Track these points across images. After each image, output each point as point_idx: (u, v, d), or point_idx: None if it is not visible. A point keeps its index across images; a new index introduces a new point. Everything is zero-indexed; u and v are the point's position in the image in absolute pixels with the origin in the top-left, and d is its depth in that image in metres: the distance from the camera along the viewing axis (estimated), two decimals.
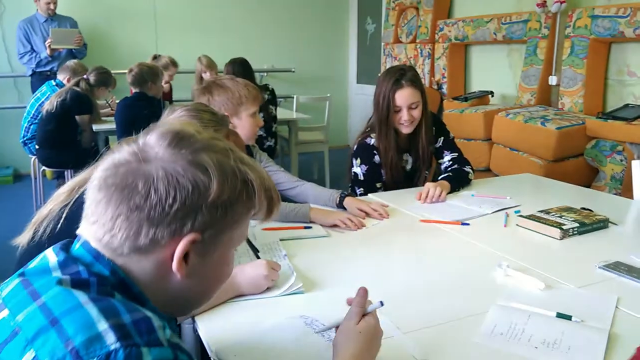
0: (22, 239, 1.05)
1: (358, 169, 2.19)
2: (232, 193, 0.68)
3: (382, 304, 0.94)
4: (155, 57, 4.81)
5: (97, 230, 0.66)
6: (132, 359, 0.56)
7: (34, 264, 0.69)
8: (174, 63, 4.78)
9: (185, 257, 0.67)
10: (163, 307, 0.70)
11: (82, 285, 0.63)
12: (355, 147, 2.22)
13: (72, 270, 0.65)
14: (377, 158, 2.17)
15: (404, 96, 2.08)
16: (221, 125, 1.43)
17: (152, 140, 0.68)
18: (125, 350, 0.56)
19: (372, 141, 2.17)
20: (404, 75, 2.10)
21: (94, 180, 0.68)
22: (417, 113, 2.11)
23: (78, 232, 0.70)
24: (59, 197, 1.10)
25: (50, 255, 0.68)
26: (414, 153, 2.23)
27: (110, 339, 0.56)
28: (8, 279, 0.68)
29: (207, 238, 0.67)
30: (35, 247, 1.04)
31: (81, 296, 0.61)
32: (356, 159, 2.20)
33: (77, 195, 1.10)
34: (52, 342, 0.56)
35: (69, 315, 0.58)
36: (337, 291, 1.28)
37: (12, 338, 0.59)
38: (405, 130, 2.13)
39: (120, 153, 0.68)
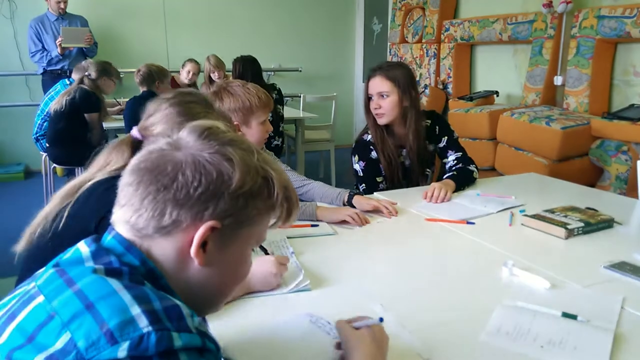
0: (20, 247, 1.08)
1: (357, 166, 2.23)
2: (253, 186, 0.71)
3: (381, 320, 0.96)
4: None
5: (126, 211, 0.70)
6: (164, 342, 0.59)
7: (66, 255, 0.72)
8: (192, 60, 4.87)
9: (204, 246, 0.70)
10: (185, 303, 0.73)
11: (115, 273, 0.66)
12: (354, 145, 2.28)
13: (105, 261, 0.68)
14: (374, 154, 2.21)
15: (372, 84, 2.17)
16: (209, 112, 1.27)
17: (184, 133, 0.73)
18: (157, 334, 0.59)
19: (369, 137, 2.22)
20: (381, 67, 2.17)
21: (128, 166, 0.72)
22: (384, 104, 2.13)
23: (111, 221, 0.73)
24: (55, 199, 1.13)
25: (82, 247, 0.71)
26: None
27: (143, 323, 0.59)
28: (43, 269, 0.71)
29: (226, 228, 0.70)
30: (36, 248, 1.08)
31: (115, 283, 0.64)
32: (354, 156, 2.25)
33: (78, 195, 1.13)
34: (88, 325, 0.59)
35: (104, 300, 0.61)
36: (343, 288, 1.30)
37: (48, 322, 0.61)
38: (379, 120, 2.17)
39: (155, 144, 0.73)
